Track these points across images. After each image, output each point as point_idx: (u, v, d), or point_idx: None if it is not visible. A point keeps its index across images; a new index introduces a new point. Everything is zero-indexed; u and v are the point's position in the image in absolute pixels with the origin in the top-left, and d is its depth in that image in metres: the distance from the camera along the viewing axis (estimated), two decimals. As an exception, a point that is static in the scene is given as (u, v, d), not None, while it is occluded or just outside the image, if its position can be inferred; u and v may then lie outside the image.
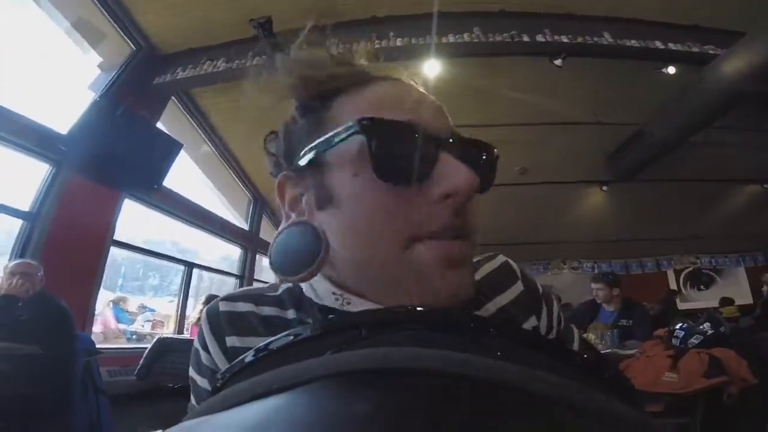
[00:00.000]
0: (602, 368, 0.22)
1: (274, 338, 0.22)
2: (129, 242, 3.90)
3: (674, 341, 1.88)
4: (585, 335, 2.43)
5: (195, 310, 3.89)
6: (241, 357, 0.22)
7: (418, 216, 0.31)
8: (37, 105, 2.87)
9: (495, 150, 0.36)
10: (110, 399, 2.49)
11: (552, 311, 0.46)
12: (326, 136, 0.33)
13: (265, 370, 0.17)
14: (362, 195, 0.32)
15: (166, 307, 4.89)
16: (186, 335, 3.74)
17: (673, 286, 6.80)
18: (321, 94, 0.36)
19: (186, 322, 4.09)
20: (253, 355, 0.22)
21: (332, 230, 0.33)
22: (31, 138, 2.80)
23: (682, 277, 7.03)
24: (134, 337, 4.32)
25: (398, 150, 0.31)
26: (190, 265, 4.51)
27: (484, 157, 0.36)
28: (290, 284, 0.41)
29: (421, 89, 0.38)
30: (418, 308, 0.26)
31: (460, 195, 0.31)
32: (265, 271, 6.14)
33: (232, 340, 0.38)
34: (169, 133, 3.75)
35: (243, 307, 0.40)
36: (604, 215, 6.14)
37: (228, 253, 5.64)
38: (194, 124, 4.35)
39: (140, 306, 5.10)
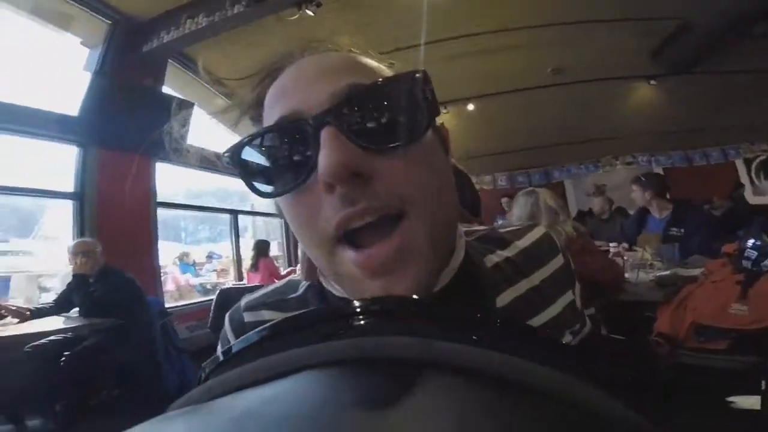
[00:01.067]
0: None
1: (257, 329, 0.21)
2: (177, 202, 4.19)
3: (745, 263, 1.48)
4: (641, 255, 2.14)
5: (248, 256, 4.16)
6: (225, 347, 0.22)
7: (325, 214, 0.29)
8: (37, 95, 2.94)
9: (416, 76, 0.29)
10: (193, 354, 2.74)
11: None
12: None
13: (251, 360, 0.17)
14: (281, 207, 0.32)
15: (230, 250, 5.12)
16: (245, 282, 4.05)
17: (743, 178, 5.93)
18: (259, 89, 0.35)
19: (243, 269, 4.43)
20: (237, 346, 0.21)
21: None
22: (50, 126, 2.97)
23: (753, 166, 5.93)
24: (209, 287, 4.76)
25: (276, 159, 0.30)
26: (234, 213, 4.76)
27: (389, 99, 0.29)
28: (311, 281, 0.40)
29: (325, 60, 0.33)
30: (413, 299, 0.25)
31: (336, 183, 0.27)
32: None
33: None
34: (179, 96, 3.72)
35: (268, 315, 0.39)
36: (656, 108, 5.50)
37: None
38: (202, 83, 4.21)
39: (207, 255, 5.60)
